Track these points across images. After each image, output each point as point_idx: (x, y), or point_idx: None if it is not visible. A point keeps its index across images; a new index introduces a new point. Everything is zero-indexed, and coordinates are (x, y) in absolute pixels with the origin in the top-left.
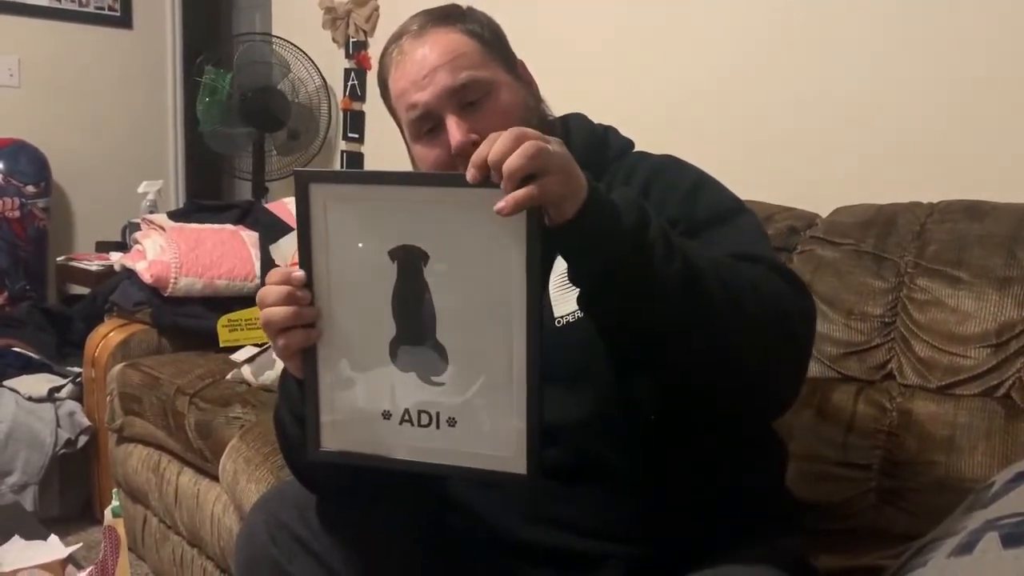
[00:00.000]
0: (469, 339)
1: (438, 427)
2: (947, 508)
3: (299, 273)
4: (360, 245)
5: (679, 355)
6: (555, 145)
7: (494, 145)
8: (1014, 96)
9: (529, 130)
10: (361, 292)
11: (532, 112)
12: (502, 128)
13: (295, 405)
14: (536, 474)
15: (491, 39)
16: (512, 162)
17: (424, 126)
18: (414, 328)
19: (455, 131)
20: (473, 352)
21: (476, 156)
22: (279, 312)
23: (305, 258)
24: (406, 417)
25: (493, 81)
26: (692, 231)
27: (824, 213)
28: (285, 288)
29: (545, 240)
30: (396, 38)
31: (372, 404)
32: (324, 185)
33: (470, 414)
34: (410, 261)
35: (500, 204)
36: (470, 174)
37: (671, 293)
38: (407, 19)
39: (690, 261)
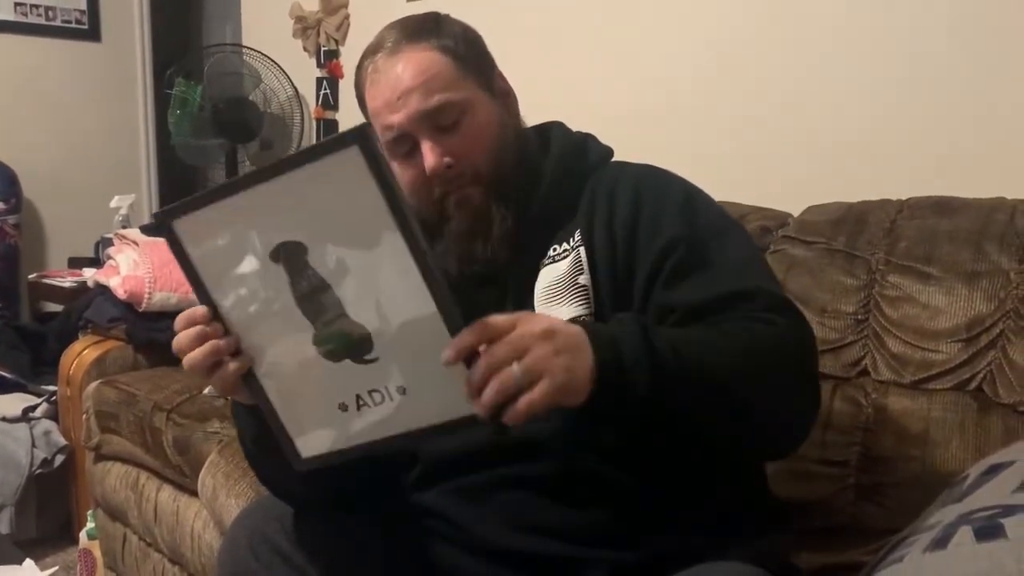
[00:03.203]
0: (378, 306)
1: (392, 399)
2: (924, 502)
3: (201, 309)
4: (245, 260)
5: (700, 434)
6: (552, 345)
7: (494, 384)
8: (981, 93)
9: (517, 328)
10: (267, 304)
11: (507, 129)
12: (476, 149)
13: (251, 428)
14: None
15: (466, 54)
16: (490, 399)
17: (400, 149)
18: (325, 318)
19: (429, 156)
20: (388, 317)
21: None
22: (197, 354)
23: (201, 293)
24: (362, 401)
25: (467, 101)
26: (691, 251)
27: (796, 212)
28: (194, 329)
29: (391, 180)
30: (371, 53)
31: (327, 402)
32: (185, 218)
33: (414, 374)
34: (292, 257)
35: (508, 418)
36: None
37: (691, 410)
38: (383, 30)
39: (704, 374)
